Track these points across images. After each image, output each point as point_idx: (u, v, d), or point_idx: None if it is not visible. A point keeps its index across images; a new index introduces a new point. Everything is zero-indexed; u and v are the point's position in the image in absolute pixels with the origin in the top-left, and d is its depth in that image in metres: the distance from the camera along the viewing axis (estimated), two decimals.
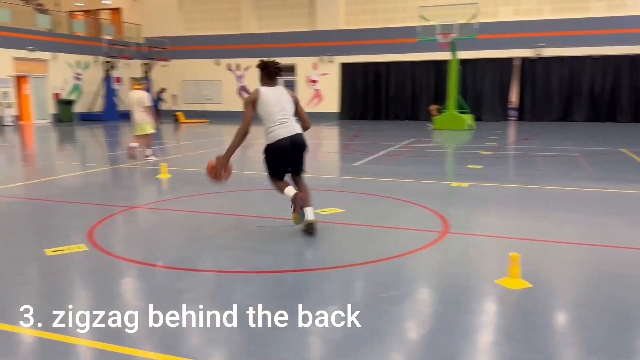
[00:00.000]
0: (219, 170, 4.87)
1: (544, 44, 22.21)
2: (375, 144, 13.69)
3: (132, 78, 9.59)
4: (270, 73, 5.00)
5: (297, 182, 5.11)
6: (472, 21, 17.47)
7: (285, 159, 4.94)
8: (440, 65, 23.69)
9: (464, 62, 22.68)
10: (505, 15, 23.08)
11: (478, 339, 2.99)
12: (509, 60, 23.18)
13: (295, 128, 4.94)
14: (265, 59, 5.13)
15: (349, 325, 3.06)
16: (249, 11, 26.97)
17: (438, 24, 17.84)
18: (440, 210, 5.80)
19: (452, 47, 17.88)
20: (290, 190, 4.92)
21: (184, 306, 3.32)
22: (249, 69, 27.04)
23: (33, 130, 19.24)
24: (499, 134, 16.71)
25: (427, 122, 20.40)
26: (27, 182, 8.29)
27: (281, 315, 3.26)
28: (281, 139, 4.80)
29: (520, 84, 23.45)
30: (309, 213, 4.84)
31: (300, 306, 3.29)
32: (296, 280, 3.81)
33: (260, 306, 3.32)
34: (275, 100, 4.87)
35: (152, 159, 10.07)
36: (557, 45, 22.03)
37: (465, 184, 7.54)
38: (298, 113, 5.08)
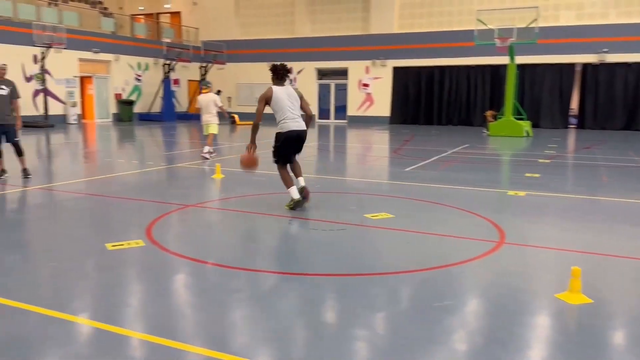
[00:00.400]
0: (251, 149, 6.15)
1: (607, 50, 21.27)
2: (427, 149, 13.50)
3: (201, 82, 10.69)
4: (280, 74, 6.07)
5: (293, 160, 6.32)
6: (532, 25, 16.94)
7: (292, 145, 6.13)
8: (497, 69, 23.16)
9: (522, 67, 22.07)
10: (567, 19, 22.28)
11: (534, 354, 2.89)
12: (570, 66, 22.33)
13: (301, 124, 6.10)
14: (276, 62, 6.16)
15: (399, 333, 3.03)
16: (303, 15, 27.22)
17: (496, 28, 17.41)
18: (495, 219, 5.65)
19: (510, 51, 17.41)
20: (295, 193, 6.05)
21: (234, 305, 3.39)
22: (302, 72, 27.30)
23: (95, 129, 20.12)
24: (558, 141, 16.12)
25: (482, 128, 19.94)
26: (90, 178, 8.66)
27: (329, 318, 3.27)
28: (291, 130, 5.99)
29: (581, 91, 22.54)
30: (301, 181, 6.20)
31: (349, 311, 3.29)
32: (346, 284, 3.80)
33: (308, 308, 3.34)
34: (286, 97, 5.99)
35: (208, 156, 10.69)
36: (622, 50, 21.05)
37: (522, 193, 7.31)
38: (302, 105, 6.14)
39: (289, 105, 5.97)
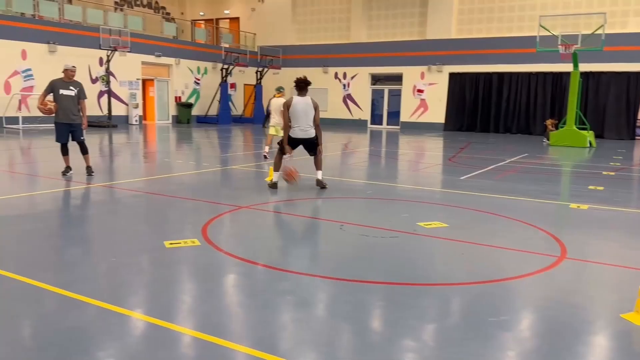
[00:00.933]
0: (286, 148, 7.59)
1: None
2: (483, 157, 13.16)
3: (277, 89, 11.66)
4: (300, 87, 7.47)
5: (315, 158, 7.81)
6: (598, 32, 16.22)
7: (296, 145, 7.70)
8: (559, 77, 22.37)
9: (586, 75, 21.21)
10: (636, 26, 21.21)
11: None
12: (637, 75, 21.23)
13: (308, 132, 7.54)
14: (300, 76, 7.56)
15: (450, 347, 2.94)
16: (359, 21, 27.23)
17: (560, 34, 16.79)
18: (556, 233, 5.42)
19: (574, 58, 16.73)
20: (275, 177, 7.65)
21: (283, 307, 3.39)
22: (355, 78, 27.29)
23: (155, 130, 20.84)
24: (624, 153, 15.34)
25: (542, 137, 19.26)
26: (149, 177, 8.96)
27: (378, 327, 3.21)
28: (296, 137, 7.57)
29: None
30: (319, 174, 7.77)
31: (399, 321, 3.22)
32: (397, 293, 3.73)
33: (357, 315, 3.30)
34: (301, 108, 7.42)
35: (267, 158, 11.25)
36: None
37: (584, 206, 6.99)
38: (314, 116, 7.52)
39: (302, 116, 7.44)
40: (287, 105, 7.46)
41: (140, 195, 7.18)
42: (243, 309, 3.41)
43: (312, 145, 7.73)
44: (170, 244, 4.62)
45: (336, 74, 27.89)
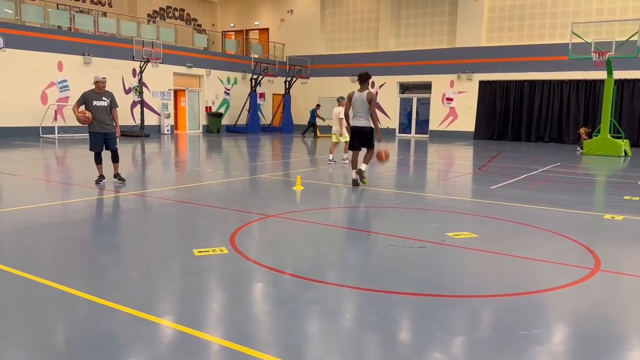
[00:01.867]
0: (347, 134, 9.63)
1: None
2: (515, 166, 12.94)
3: (338, 99, 13.01)
4: (360, 80, 8.69)
5: (366, 152, 8.90)
6: (634, 38, 15.83)
7: (354, 136, 8.88)
8: (593, 84, 21.92)
9: (621, 83, 20.71)
10: None
11: None
12: None
13: (361, 122, 8.74)
14: (361, 71, 8.75)
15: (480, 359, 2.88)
16: (387, 30, 27.22)
17: (593, 42, 16.44)
18: (589, 244, 5.28)
19: (608, 66, 16.34)
20: (353, 174, 8.86)
21: (310, 316, 3.39)
22: (384, 86, 27.24)
23: (186, 140, 21.19)
24: None
25: (576, 146, 18.84)
26: (179, 186, 9.10)
27: (405, 338, 3.18)
28: (353, 125, 8.89)
29: None
30: (363, 167, 8.84)
31: (428, 332, 3.18)
32: (425, 304, 3.68)
33: (385, 326, 3.27)
34: (357, 100, 8.70)
35: (333, 163, 12.25)
36: None
37: (619, 217, 6.79)
38: (370, 108, 8.64)
39: (358, 107, 8.71)
40: (349, 97, 8.87)
41: (170, 203, 7.30)
42: (270, 318, 3.42)
43: (362, 136, 8.79)
44: (199, 252, 4.68)
45: None
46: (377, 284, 4.07)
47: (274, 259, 4.73)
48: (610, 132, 16.73)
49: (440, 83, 25.65)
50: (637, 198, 8.37)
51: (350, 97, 8.79)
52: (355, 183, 8.78)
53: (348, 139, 11.43)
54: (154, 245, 5.12)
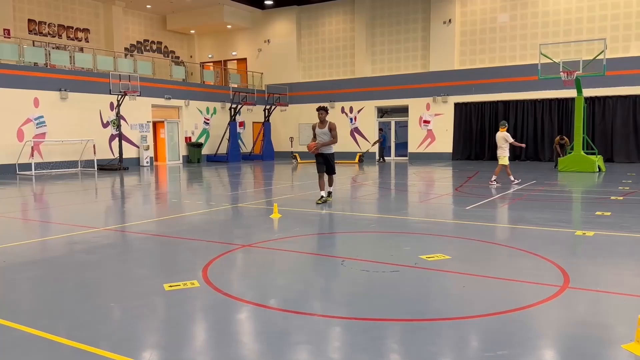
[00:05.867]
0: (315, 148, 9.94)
1: None
2: (490, 186, 13.10)
3: (501, 123, 13.90)
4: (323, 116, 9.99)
5: (328, 177, 10.30)
6: (600, 57, 16.33)
7: (318, 162, 10.24)
8: (565, 103, 22.48)
9: (592, 100, 21.26)
10: (638, 50, 21.33)
11: None
12: None
13: (324, 149, 10.07)
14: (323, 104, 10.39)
15: None
16: (363, 56, 27.71)
17: (561, 61, 16.92)
18: (560, 262, 5.36)
19: (577, 84, 16.80)
20: (322, 191, 10.21)
21: (288, 349, 3.37)
22: (362, 111, 27.58)
23: (166, 171, 21.11)
24: (634, 177, 15.20)
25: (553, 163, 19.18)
26: (157, 219, 9.05)
27: None
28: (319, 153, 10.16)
29: None
30: (324, 193, 10.16)
31: (397, 359, 3.19)
32: (398, 330, 3.70)
33: (357, 355, 3.27)
34: (320, 132, 10.03)
35: (516, 181, 13.22)
36: None
37: (590, 233, 6.91)
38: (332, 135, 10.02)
39: (321, 136, 10.06)
40: (313, 128, 10.22)
41: (145, 237, 7.25)
42: (243, 352, 3.40)
43: (325, 161, 10.12)
44: (170, 286, 4.65)
45: (342, 108, 28.23)
46: (352, 312, 4.08)
47: (247, 290, 4.71)
48: (583, 149, 17.09)
49: (416, 106, 26.07)
50: (609, 213, 8.53)
51: (314, 128, 10.14)
52: (323, 201, 10.09)
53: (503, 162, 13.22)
54: (125, 282, 5.07)
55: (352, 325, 3.78)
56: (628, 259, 5.76)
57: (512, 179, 13.31)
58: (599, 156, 17.39)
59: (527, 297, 4.35)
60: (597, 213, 8.60)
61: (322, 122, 10.03)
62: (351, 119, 28.07)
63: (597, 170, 16.68)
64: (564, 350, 3.36)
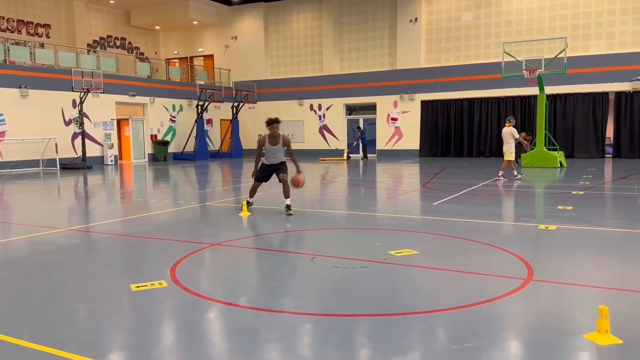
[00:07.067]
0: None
1: None
2: (457, 182, 13.34)
3: (508, 119, 13.91)
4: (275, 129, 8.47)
5: (284, 186, 8.59)
6: (561, 56, 16.80)
7: (266, 171, 8.84)
8: (528, 100, 22.99)
9: (554, 97, 21.83)
10: (598, 48, 22.04)
11: None
12: (603, 95, 21.94)
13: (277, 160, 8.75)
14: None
15: None
16: (331, 54, 27.76)
17: (523, 60, 17.33)
18: (524, 255, 5.50)
19: (539, 82, 17.24)
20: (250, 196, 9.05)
21: (259, 347, 3.36)
22: (330, 109, 27.65)
23: (131, 169, 20.71)
24: (593, 172, 15.71)
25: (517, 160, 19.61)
26: (122, 218, 8.88)
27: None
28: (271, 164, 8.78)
29: (616, 119, 22.06)
30: (287, 201, 8.51)
31: (370, 355, 3.22)
32: (368, 325, 3.73)
33: (328, 352, 3.29)
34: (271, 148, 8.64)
35: (519, 176, 13.63)
36: None
37: (553, 227, 7.11)
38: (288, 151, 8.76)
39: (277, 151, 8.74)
40: (261, 144, 8.73)
41: (110, 237, 7.10)
42: (205, 351, 3.37)
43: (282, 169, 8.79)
44: (137, 286, 4.57)
45: (311, 105, 28.24)
46: (321, 308, 4.10)
47: (215, 289, 4.67)
48: (546, 145, 17.55)
49: (384, 104, 26.28)
50: (570, 207, 8.80)
51: (262, 144, 8.65)
52: (288, 209, 8.54)
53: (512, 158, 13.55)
54: (90, 283, 4.95)
55: (323, 322, 3.80)
56: (589, 251, 5.96)
57: (516, 173, 13.71)
58: (560, 152, 17.90)
59: (493, 290, 4.45)
60: (559, 207, 8.86)
61: (275, 137, 8.41)
62: (320, 117, 28.11)
63: (559, 165, 17.16)
64: (529, 341, 3.46)
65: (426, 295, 4.45)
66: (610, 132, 22.85)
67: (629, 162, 19.80)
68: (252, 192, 8.99)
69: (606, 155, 22.21)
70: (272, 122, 8.34)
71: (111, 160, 22.95)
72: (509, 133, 13.54)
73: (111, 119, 23.55)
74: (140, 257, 6.02)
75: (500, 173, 13.58)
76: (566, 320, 3.80)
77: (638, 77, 20.90)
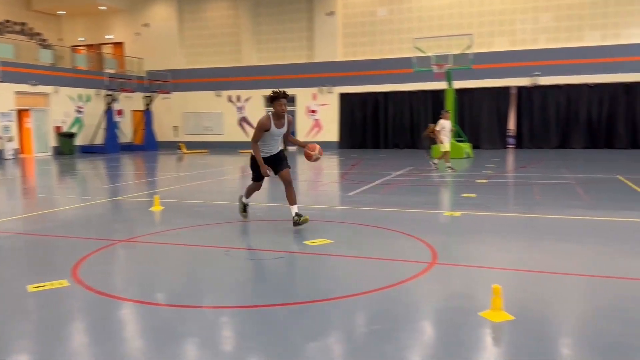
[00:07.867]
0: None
1: (540, 73, 22.44)
2: (372, 172, 13.71)
3: (444, 110, 14.59)
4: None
5: (287, 188, 6.65)
6: (467, 52, 17.69)
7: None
8: (438, 94, 23.94)
9: (461, 92, 22.92)
10: (501, 45, 23.40)
11: None
12: (505, 89, 23.38)
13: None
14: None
15: None
16: (249, 44, 27.42)
17: (433, 55, 18.06)
18: (429, 240, 5.77)
19: (448, 77, 18.06)
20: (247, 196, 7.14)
21: (174, 343, 3.28)
22: (249, 100, 27.36)
23: (33, 164, 19.37)
24: (497, 162, 16.73)
25: (427, 151, 20.47)
26: (22, 215, 8.29)
27: (267, 353, 3.21)
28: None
29: (517, 112, 23.59)
30: (295, 209, 6.50)
31: (286, 342, 3.25)
32: (284, 314, 3.75)
33: (245, 343, 3.28)
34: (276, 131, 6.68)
35: (450, 170, 13.50)
36: (553, 73, 22.26)
37: (457, 213, 7.51)
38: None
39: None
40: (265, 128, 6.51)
41: (8, 236, 6.61)
42: (113, 349, 3.25)
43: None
44: (35, 287, 4.29)
45: (230, 97, 27.78)
46: (236, 301, 4.07)
47: (120, 287, 4.50)
48: (455, 137, 18.43)
49: (303, 96, 26.38)
50: (474, 195, 9.32)
51: (266, 128, 6.50)
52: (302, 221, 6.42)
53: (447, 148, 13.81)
54: None
55: (240, 314, 3.78)
56: (491, 235, 6.36)
57: (436, 162, 14.37)
58: (468, 143, 18.89)
59: (400, 274, 4.63)
60: (464, 195, 9.36)
61: (281, 116, 6.41)
62: (239, 108, 27.73)
63: (466, 156, 18.11)
64: (432, 319, 3.64)
65: (338, 282, 4.55)
66: (512, 125, 24.39)
67: (529, 152, 21.29)
68: (250, 192, 7.03)
69: (508, 146, 23.72)
70: (279, 97, 6.31)
71: (11, 154, 21.33)
72: (441, 125, 13.96)
73: (10, 110, 21.85)
74: (41, 257, 5.67)
75: (448, 165, 13.75)
76: (465, 299, 4.03)
77: (537, 73, 22.45)
